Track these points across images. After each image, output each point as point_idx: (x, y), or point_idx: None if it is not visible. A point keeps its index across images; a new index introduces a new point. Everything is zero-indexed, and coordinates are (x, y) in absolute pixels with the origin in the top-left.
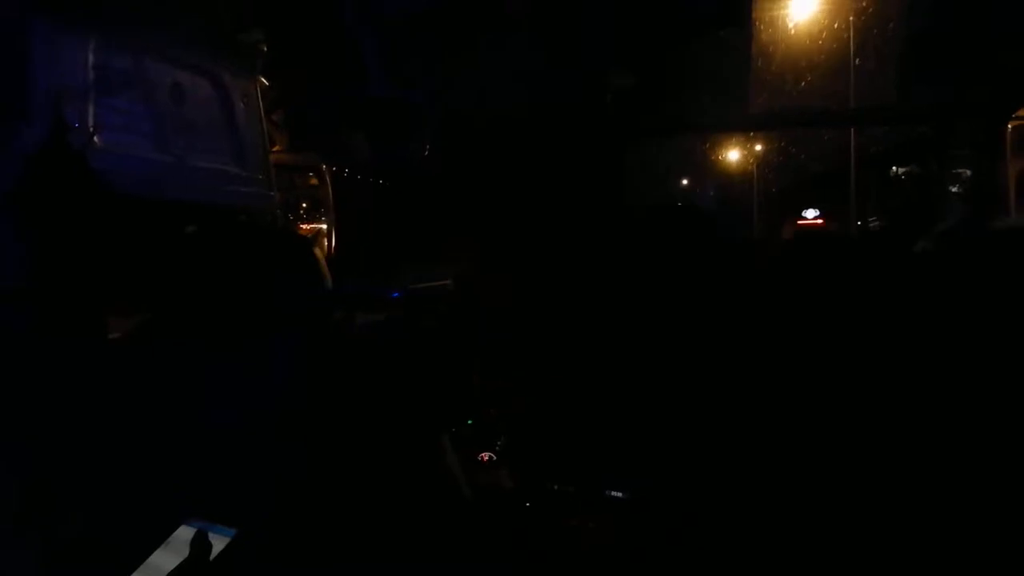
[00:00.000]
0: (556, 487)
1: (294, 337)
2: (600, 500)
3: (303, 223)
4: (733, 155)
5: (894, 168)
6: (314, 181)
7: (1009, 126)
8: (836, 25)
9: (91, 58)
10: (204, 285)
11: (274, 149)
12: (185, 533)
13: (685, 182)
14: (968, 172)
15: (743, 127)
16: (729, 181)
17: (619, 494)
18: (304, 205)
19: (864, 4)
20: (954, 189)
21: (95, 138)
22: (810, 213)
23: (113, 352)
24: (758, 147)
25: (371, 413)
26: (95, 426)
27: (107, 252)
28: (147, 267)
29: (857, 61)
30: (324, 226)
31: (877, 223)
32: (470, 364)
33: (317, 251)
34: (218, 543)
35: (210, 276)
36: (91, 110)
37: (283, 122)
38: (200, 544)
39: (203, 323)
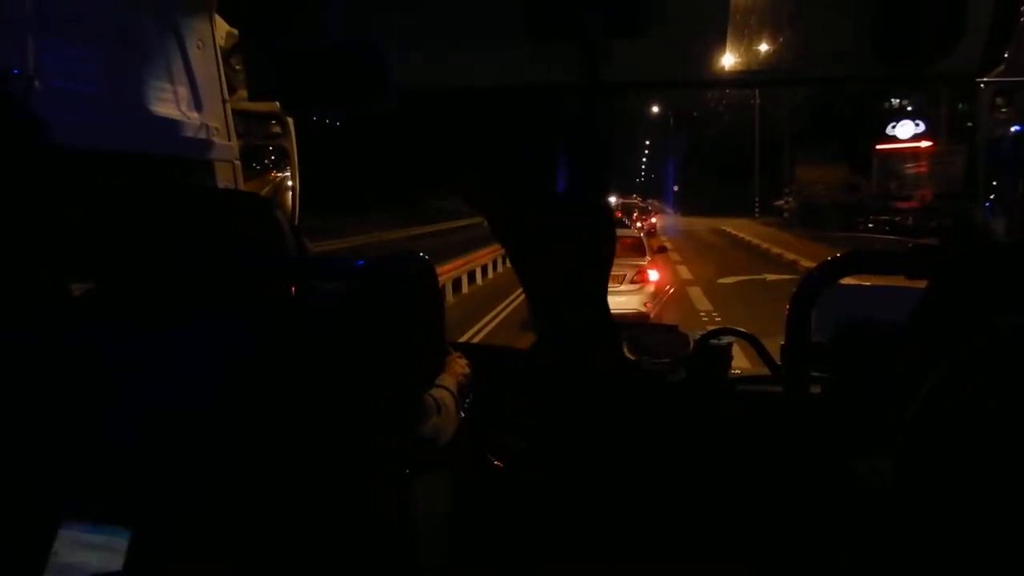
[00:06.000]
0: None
1: (253, 311)
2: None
3: (267, 173)
4: None
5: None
6: (277, 129)
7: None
8: None
9: None
10: (151, 250)
11: (234, 96)
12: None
13: None
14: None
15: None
16: None
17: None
18: (272, 156)
19: None
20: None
21: (36, 83)
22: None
23: (37, 325)
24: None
25: (340, 388)
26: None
27: (49, 210)
28: (92, 228)
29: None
30: (288, 177)
31: None
32: (440, 327)
33: (279, 213)
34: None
35: (158, 240)
36: (31, 52)
37: (244, 67)
38: None
39: (148, 293)
